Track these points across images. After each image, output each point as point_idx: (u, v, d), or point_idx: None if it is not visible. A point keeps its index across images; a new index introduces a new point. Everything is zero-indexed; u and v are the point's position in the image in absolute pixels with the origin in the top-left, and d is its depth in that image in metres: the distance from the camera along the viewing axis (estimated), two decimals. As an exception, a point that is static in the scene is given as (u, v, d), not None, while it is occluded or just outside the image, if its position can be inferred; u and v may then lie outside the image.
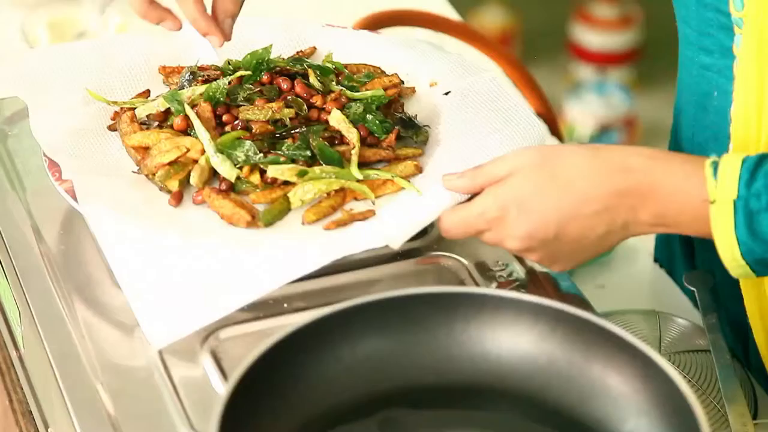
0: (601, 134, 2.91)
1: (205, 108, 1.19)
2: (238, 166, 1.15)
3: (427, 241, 1.17)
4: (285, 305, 1.10)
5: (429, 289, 1.05)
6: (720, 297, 1.25)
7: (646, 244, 1.44)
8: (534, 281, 1.14)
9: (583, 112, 2.92)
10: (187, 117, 1.18)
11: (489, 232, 1.10)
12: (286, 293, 1.10)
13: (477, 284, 1.13)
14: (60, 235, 1.17)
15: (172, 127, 1.19)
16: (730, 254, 1.05)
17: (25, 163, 1.24)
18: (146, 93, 1.25)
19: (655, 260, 1.42)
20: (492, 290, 1.11)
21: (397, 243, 1.10)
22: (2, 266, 1.18)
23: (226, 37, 1.21)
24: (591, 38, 3.02)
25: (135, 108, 1.21)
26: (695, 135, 1.23)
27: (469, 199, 1.12)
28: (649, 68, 3.08)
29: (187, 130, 1.18)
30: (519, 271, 1.15)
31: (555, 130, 1.70)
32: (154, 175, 1.16)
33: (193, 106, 1.19)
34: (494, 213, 1.09)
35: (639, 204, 1.07)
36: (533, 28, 3.13)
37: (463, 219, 1.10)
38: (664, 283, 1.39)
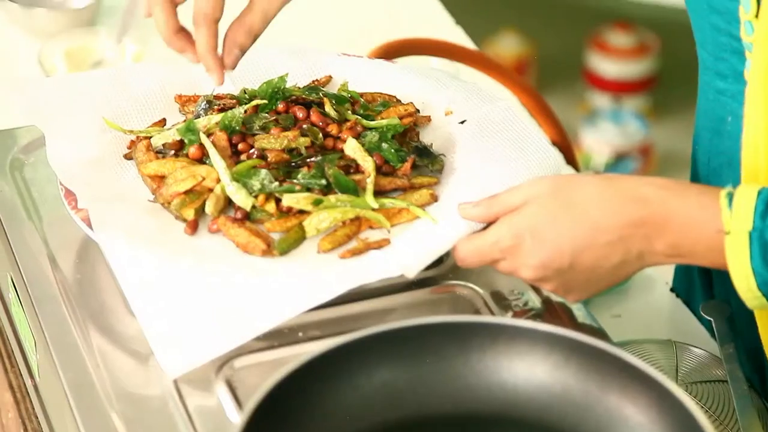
0: (617, 162, 2.90)
1: (221, 137, 1.19)
2: (253, 194, 1.15)
3: (443, 269, 1.16)
4: (300, 334, 1.10)
5: (444, 319, 1.05)
6: (737, 327, 1.24)
7: (663, 273, 1.43)
8: (549, 310, 1.14)
9: (598, 141, 2.92)
10: (202, 146, 1.18)
11: (503, 261, 1.10)
12: (301, 322, 1.10)
13: (492, 313, 1.12)
14: (76, 263, 1.17)
15: (187, 155, 1.19)
16: (746, 285, 1.05)
17: (41, 192, 1.24)
18: (162, 122, 1.25)
19: (672, 290, 1.41)
20: (507, 320, 1.10)
21: (412, 272, 1.10)
22: (18, 295, 1.18)
23: (229, 66, 1.19)
24: (607, 66, 3.02)
25: (151, 137, 1.21)
26: (711, 160, 1.23)
27: (485, 228, 1.12)
28: (665, 96, 3.08)
29: (202, 159, 1.18)
30: (534, 301, 1.14)
31: (571, 159, 1.69)
32: (169, 203, 1.16)
33: (209, 134, 1.20)
34: (509, 242, 1.08)
35: (654, 234, 1.06)
36: (549, 57, 3.13)
37: (478, 248, 1.10)
38: (681, 312, 1.39)
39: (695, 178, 1.28)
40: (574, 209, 1.07)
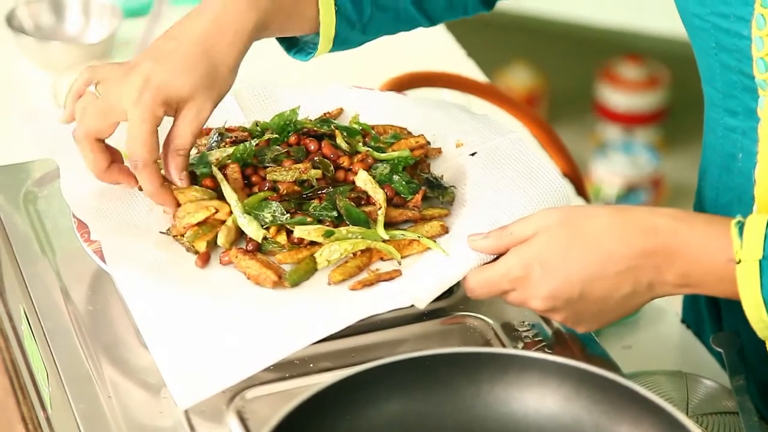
0: (628, 194, 2.91)
1: (233, 169, 1.20)
2: (265, 226, 1.16)
3: (453, 300, 1.17)
4: (311, 365, 1.10)
5: (455, 350, 1.05)
6: (747, 358, 1.24)
7: (673, 304, 1.43)
8: (560, 342, 1.14)
9: (609, 172, 2.93)
10: (213, 178, 1.19)
11: (513, 292, 1.10)
12: (312, 353, 1.10)
13: (503, 344, 1.13)
14: (88, 295, 1.18)
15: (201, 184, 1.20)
16: (757, 315, 1.05)
17: (54, 225, 1.25)
18: None
19: (682, 321, 1.41)
20: (518, 351, 1.10)
21: (423, 303, 1.10)
22: (31, 327, 1.19)
23: (180, 167, 1.17)
24: (617, 99, 3.02)
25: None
26: (719, 196, 1.23)
27: (495, 260, 1.12)
28: (675, 128, 3.08)
29: (215, 189, 1.19)
30: (545, 332, 1.15)
31: (581, 190, 1.70)
32: (182, 236, 1.16)
33: (221, 167, 1.20)
34: (518, 272, 1.09)
35: (664, 264, 1.07)
36: (559, 89, 3.14)
37: (488, 278, 1.10)
38: (691, 344, 1.38)
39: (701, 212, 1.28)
40: (584, 240, 1.08)
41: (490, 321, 1.15)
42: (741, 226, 1.05)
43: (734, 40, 1.13)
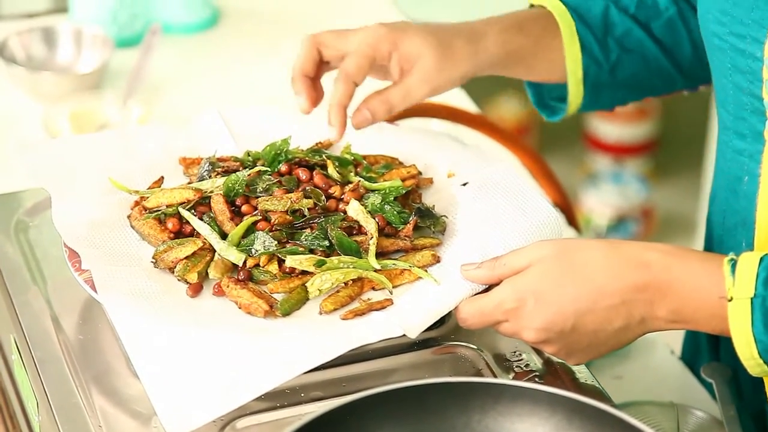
0: (618, 224, 2.91)
1: (217, 200, 1.20)
2: (256, 255, 1.16)
3: (444, 330, 1.17)
4: (302, 395, 1.10)
5: (446, 379, 1.05)
6: (742, 390, 1.24)
7: (664, 335, 1.43)
8: (551, 372, 1.14)
9: (599, 202, 2.93)
10: (180, 218, 1.19)
11: (506, 323, 1.10)
12: (303, 382, 1.10)
13: (494, 374, 1.13)
14: (79, 325, 1.18)
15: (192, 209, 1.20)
16: (748, 352, 1.05)
17: (45, 254, 1.25)
18: (160, 181, 1.26)
19: (681, 355, 1.41)
20: (509, 380, 1.10)
21: (414, 332, 1.11)
22: (21, 356, 1.19)
23: (354, 125, 1.23)
24: (608, 129, 3.03)
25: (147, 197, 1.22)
26: (726, 219, 1.23)
27: (487, 290, 1.12)
28: (665, 159, 3.09)
29: (180, 232, 1.18)
30: (536, 362, 1.15)
31: (572, 220, 1.70)
32: (171, 270, 1.17)
33: (207, 198, 1.21)
34: (512, 304, 1.09)
35: (656, 300, 1.07)
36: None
37: (481, 309, 1.11)
38: (683, 374, 1.39)
39: (709, 237, 1.28)
40: (578, 273, 1.08)
41: (482, 351, 1.15)
42: (734, 264, 1.06)
43: (748, 62, 1.14)
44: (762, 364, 1.06)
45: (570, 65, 1.29)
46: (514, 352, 1.15)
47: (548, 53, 1.30)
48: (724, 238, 1.24)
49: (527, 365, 1.14)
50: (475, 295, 1.12)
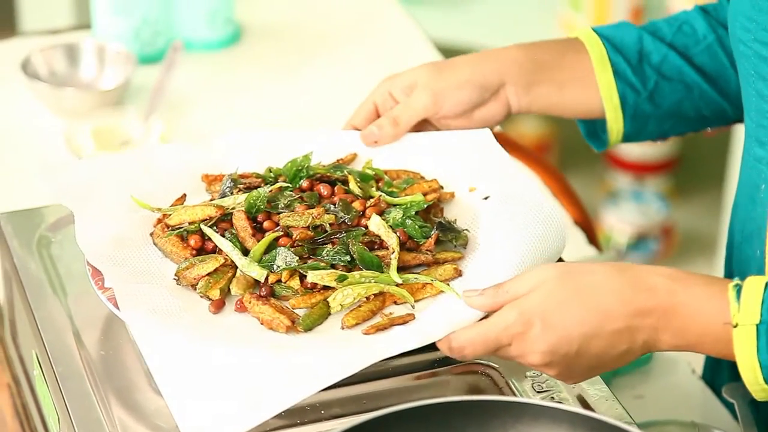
0: (638, 243, 2.90)
1: (239, 216, 1.20)
2: (278, 271, 1.16)
3: (465, 349, 1.16)
4: (322, 412, 1.10)
5: (467, 398, 1.05)
6: (761, 410, 1.24)
7: (686, 354, 1.43)
8: (571, 391, 1.14)
9: (620, 221, 2.92)
10: (202, 234, 1.19)
11: (509, 347, 1.09)
12: (323, 400, 1.10)
13: (515, 393, 1.12)
14: (100, 340, 1.18)
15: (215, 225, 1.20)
16: (753, 377, 1.05)
17: (67, 269, 1.25)
18: (182, 198, 1.26)
19: (703, 375, 1.41)
20: (531, 399, 1.10)
21: (434, 337, 1.10)
22: (43, 371, 1.19)
23: (363, 140, 1.31)
24: (628, 148, 3.03)
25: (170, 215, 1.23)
26: (744, 228, 1.23)
27: (485, 317, 1.11)
28: (686, 177, 3.08)
29: (202, 248, 1.19)
30: (557, 381, 1.14)
31: (592, 238, 1.70)
32: (194, 287, 1.17)
33: (229, 215, 1.21)
34: (518, 328, 1.08)
35: (661, 325, 1.07)
36: (570, 137, 3.14)
37: (484, 335, 1.09)
38: (704, 394, 1.38)
39: (729, 245, 1.28)
40: (583, 296, 1.08)
41: (502, 369, 1.15)
42: (739, 289, 1.05)
43: None
44: (767, 389, 1.05)
45: (604, 91, 1.29)
46: (535, 370, 1.15)
47: (577, 71, 1.29)
48: (743, 246, 1.24)
49: (548, 384, 1.14)
50: (472, 323, 1.10)
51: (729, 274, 1.29)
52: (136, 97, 1.79)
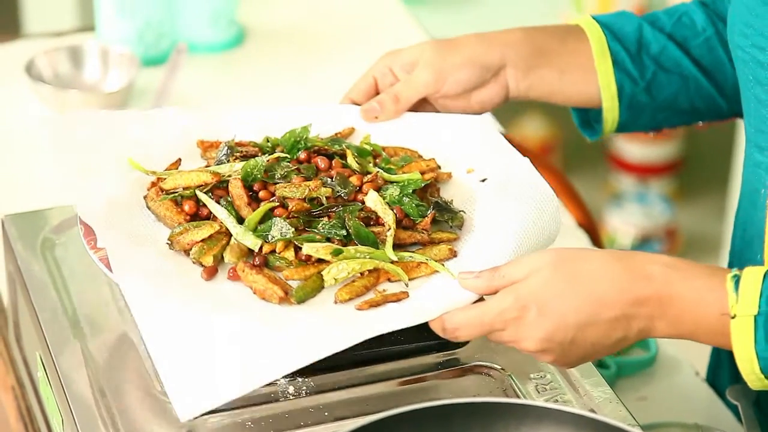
0: (642, 244, 2.90)
1: (235, 184, 1.19)
2: (273, 241, 1.16)
3: (468, 350, 1.16)
4: (326, 414, 1.10)
5: (470, 399, 1.05)
6: (764, 411, 1.24)
7: (689, 356, 1.43)
8: (575, 392, 1.14)
9: (623, 222, 2.92)
10: (196, 201, 1.18)
11: (503, 331, 1.09)
12: (327, 402, 1.10)
13: (518, 395, 1.12)
14: (104, 342, 1.18)
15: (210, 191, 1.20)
16: (750, 368, 1.05)
17: (71, 271, 1.25)
18: (177, 163, 1.26)
19: (707, 377, 1.41)
20: (534, 401, 1.10)
21: (428, 317, 1.10)
22: (47, 373, 1.19)
23: (363, 115, 1.31)
24: (632, 149, 3.03)
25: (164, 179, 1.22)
26: (746, 232, 1.23)
27: (479, 300, 1.11)
28: (690, 179, 3.08)
29: (196, 214, 1.18)
30: (560, 382, 1.14)
31: (596, 240, 1.70)
32: (187, 252, 1.16)
33: (225, 182, 1.20)
34: (514, 313, 1.08)
35: (657, 313, 1.07)
36: (574, 139, 3.14)
37: (479, 318, 1.09)
38: (708, 396, 1.38)
39: (732, 249, 1.29)
40: (578, 283, 1.07)
41: (506, 371, 1.15)
42: (737, 280, 1.05)
43: (767, 74, 1.14)
44: (764, 379, 1.05)
45: (602, 79, 1.29)
46: (539, 372, 1.15)
47: (577, 57, 1.29)
48: (744, 250, 1.24)
49: (551, 386, 1.14)
50: (465, 305, 1.10)
51: None
52: (140, 99, 1.79)
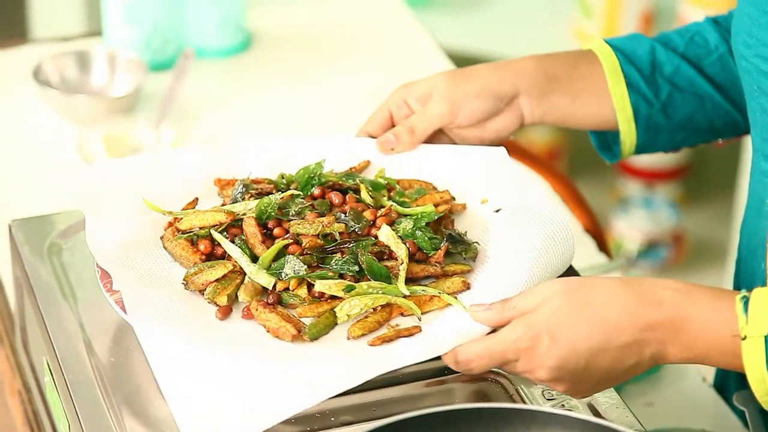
0: (649, 250, 2.90)
1: (249, 222, 1.20)
2: (286, 279, 1.16)
3: (475, 356, 1.16)
4: (332, 419, 1.10)
5: (477, 405, 1.05)
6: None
7: (696, 361, 1.42)
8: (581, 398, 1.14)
9: (630, 228, 2.92)
10: (211, 241, 1.19)
11: (516, 362, 1.09)
12: (333, 407, 1.10)
13: (525, 400, 1.12)
14: (111, 347, 1.18)
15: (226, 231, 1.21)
16: (762, 389, 1.05)
17: (78, 276, 1.26)
18: (194, 202, 1.27)
19: (714, 383, 1.40)
20: (541, 407, 1.10)
21: (441, 351, 1.10)
22: (53, 378, 1.19)
23: (379, 148, 1.32)
24: (638, 155, 3.02)
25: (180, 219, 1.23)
26: (750, 240, 1.23)
27: (492, 332, 1.11)
28: (697, 185, 3.08)
29: (212, 253, 1.19)
30: (567, 388, 1.14)
31: (602, 246, 1.70)
32: (202, 292, 1.17)
33: (239, 221, 1.21)
34: (526, 343, 1.08)
35: (669, 338, 1.07)
36: (580, 144, 3.14)
37: (490, 349, 1.09)
38: (714, 402, 1.38)
39: (739, 258, 1.28)
40: (590, 311, 1.07)
41: (512, 376, 1.15)
42: (746, 302, 1.05)
43: None
44: None
45: (617, 102, 1.30)
46: (545, 378, 1.15)
47: (589, 82, 1.30)
48: (749, 259, 1.24)
49: (558, 391, 1.14)
50: (478, 338, 1.11)
51: (737, 288, 1.29)
52: (147, 105, 1.79)
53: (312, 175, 1.26)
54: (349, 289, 1.15)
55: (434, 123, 1.29)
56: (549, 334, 1.07)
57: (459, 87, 1.29)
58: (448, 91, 1.29)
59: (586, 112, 1.31)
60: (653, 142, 1.33)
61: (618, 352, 1.07)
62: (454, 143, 1.32)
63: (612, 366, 1.07)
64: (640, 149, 1.33)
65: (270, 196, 1.22)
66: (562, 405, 1.12)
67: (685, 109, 1.31)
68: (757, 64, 1.16)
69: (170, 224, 1.24)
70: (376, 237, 1.20)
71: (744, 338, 1.05)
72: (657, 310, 1.06)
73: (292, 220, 1.21)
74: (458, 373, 1.14)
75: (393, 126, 1.32)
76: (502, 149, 1.30)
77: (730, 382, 1.37)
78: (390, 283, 1.17)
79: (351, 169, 1.31)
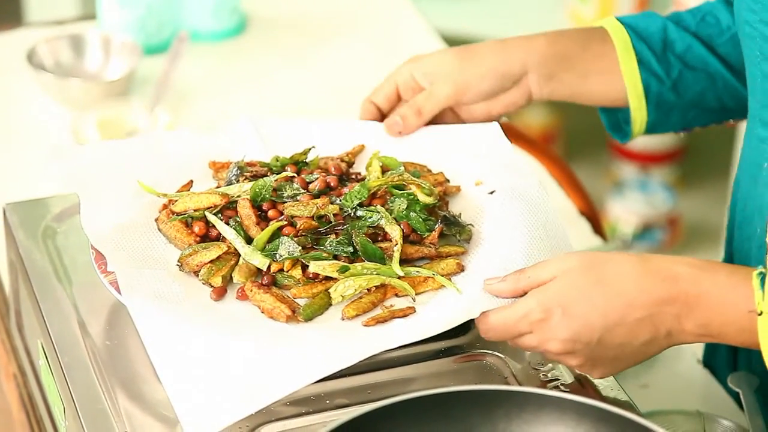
0: (644, 233, 2.90)
1: (244, 204, 1.20)
2: (281, 260, 1.16)
3: (469, 338, 1.17)
4: (327, 401, 1.10)
5: (471, 387, 1.05)
6: (766, 398, 1.24)
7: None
8: (577, 380, 1.14)
9: (625, 211, 2.92)
10: (206, 223, 1.19)
11: (530, 334, 1.09)
12: (328, 389, 1.10)
13: (519, 382, 1.12)
14: (106, 330, 1.18)
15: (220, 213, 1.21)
16: None
17: (72, 259, 1.26)
18: (189, 184, 1.26)
19: (703, 363, 1.41)
20: (535, 389, 1.10)
21: (433, 331, 1.10)
22: (48, 361, 1.19)
23: (388, 130, 1.31)
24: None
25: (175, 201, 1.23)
26: (746, 207, 1.23)
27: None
28: (692, 167, 3.08)
29: (206, 235, 1.19)
30: (562, 370, 1.14)
31: (597, 228, 1.70)
32: (196, 273, 1.17)
33: (233, 203, 1.21)
34: (538, 315, 1.08)
35: (684, 313, 1.07)
36: (576, 127, 3.14)
37: (504, 320, 1.10)
38: (709, 383, 1.38)
39: (731, 225, 1.28)
40: (605, 285, 1.07)
41: (507, 359, 1.15)
42: (763, 277, 1.05)
43: None
44: None
45: (628, 80, 1.29)
46: (540, 360, 1.15)
47: (600, 61, 1.29)
48: (744, 226, 1.24)
49: (553, 373, 1.14)
50: (499, 306, 1.12)
51: (729, 254, 1.29)
52: (142, 88, 1.79)
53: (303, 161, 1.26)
54: (343, 270, 1.15)
55: (441, 104, 1.30)
56: (562, 306, 1.07)
57: (466, 67, 1.29)
58: (454, 73, 1.29)
59: (597, 90, 1.31)
60: (664, 120, 1.32)
61: (632, 327, 1.07)
62: (460, 118, 1.32)
63: (626, 341, 1.07)
64: (650, 128, 1.33)
65: (265, 178, 1.22)
66: (557, 387, 1.12)
67: (696, 88, 1.31)
68: (761, 29, 1.16)
69: (165, 206, 1.24)
70: (375, 206, 1.19)
71: (760, 314, 1.04)
72: (672, 285, 1.06)
73: (286, 202, 1.22)
74: (453, 355, 1.14)
75: (398, 98, 1.32)
76: (496, 125, 1.30)
77: (719, 359, 1.37)
78: (384, 264, 1.17)
79: (346, 153, 1.31)
